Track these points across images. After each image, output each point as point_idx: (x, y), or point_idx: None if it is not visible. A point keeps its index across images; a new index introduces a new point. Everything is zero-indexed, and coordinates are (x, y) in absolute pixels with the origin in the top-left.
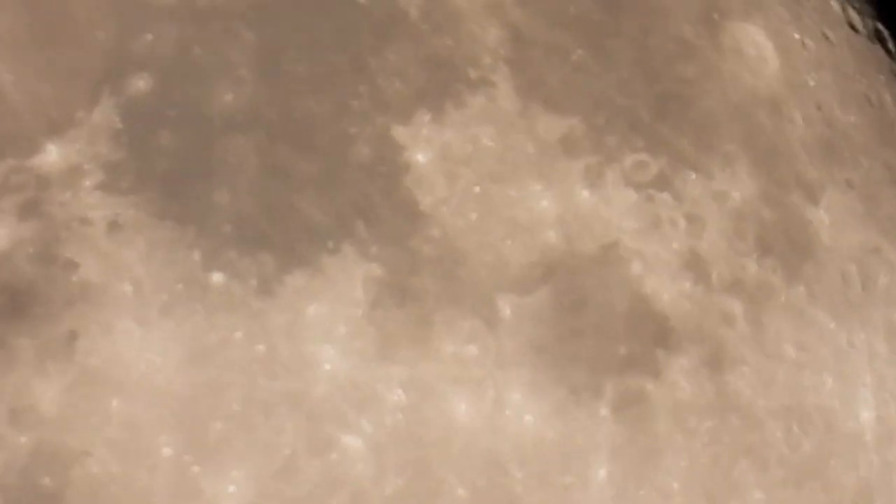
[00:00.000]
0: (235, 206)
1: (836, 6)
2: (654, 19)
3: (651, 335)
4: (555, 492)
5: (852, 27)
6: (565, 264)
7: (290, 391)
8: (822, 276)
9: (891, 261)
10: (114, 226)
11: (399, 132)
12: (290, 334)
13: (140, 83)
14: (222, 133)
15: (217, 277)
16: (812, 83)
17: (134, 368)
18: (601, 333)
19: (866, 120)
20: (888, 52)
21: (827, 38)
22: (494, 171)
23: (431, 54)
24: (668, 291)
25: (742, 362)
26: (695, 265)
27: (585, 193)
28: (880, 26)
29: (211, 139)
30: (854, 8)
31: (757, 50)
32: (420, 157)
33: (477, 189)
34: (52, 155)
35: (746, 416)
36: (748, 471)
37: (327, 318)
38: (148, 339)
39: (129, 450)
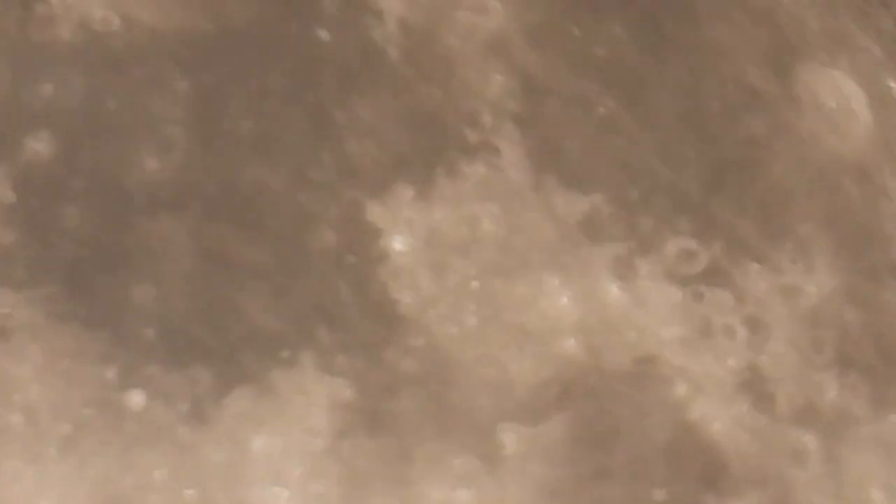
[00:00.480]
0: (161, 306)
1: None
2: (708, 61)
3: (698, 476)
4: None
5: None
6: (588, 384)
7: None
8: None
9: None
10: (1, 331)
11: (373, 211)
12: (229, 475)
13: (38, 146)
14: (145, 211)
15: (136, 399)
16: None
17: None
18: (634, 474)
19: None
20: None
21: None
22: (498, 261)
23: (416, 109)
24: (721, 419)
25: None
26: (756, 386)
27: (615, 290)
28: None
29: (129, 218)
30: None
31: (842, 101)
32: (400, 244)
33: (475, 285)
34: None
35: None
36: None
37: (279, 454)
38: (43, 483)
39: None
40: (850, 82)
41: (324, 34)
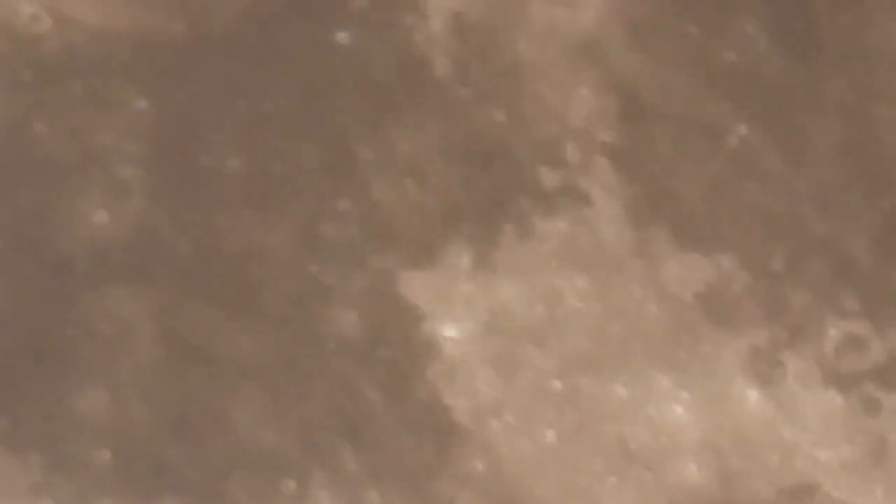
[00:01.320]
0: (116, 418)
1: None
2: (879, 75)
3: None
4: None
5: None
6: None
7: None
8: None
9: None
10: None
11: (413, 284)
12: None
13: None
14: (90, 283)
15: None
16: None
17: None
18: None
19: None
20: None
21: None
22: (587, 353)
23: (472, 140)
24: None
25: None
26: None
27: (752, 395)
28: None
29: (69, 294)
30: None
31: None
32: (451, 331)
33: (555, 386)
34: None
35: None
36: None
37: None
38: None
39: None
40: None
41: (344, 36)
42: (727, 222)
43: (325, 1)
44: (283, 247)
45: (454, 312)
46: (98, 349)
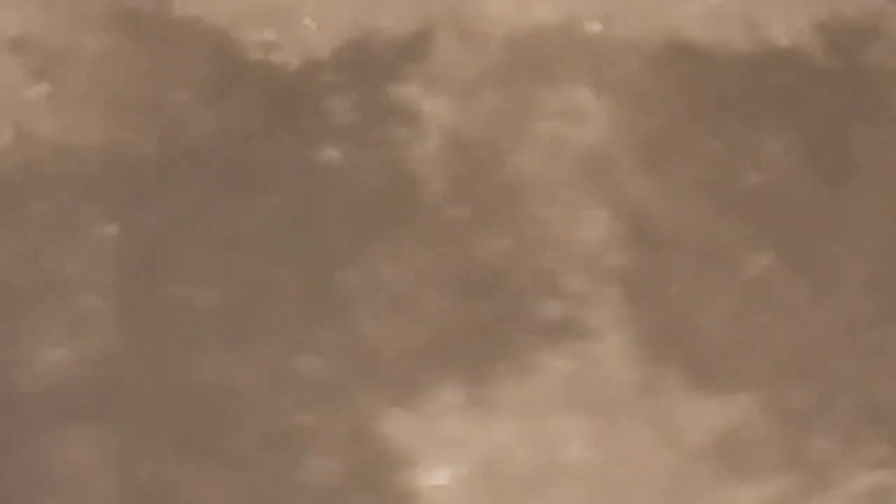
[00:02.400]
0: None
1: None
2: None
3: None
4: None
5: None
6: None
7: None
8: None
9: None
10: None
11: (398, 425)
12: None
13: None
14: (47, 423)
15: None
16: None
17: None
18: None
19: None
20: None
21: None
22: (589, 502)
23: (469, 266)
24: None
25: None
26: None
27: None
28: None
29: (25, 435)
30: None
31: None
32: (439, 479)
33: None
34: None
35: None
36: None
37: None
38: None
39: None
40: None
41: (333, 153)
42: (747, 359)
43: (310, 115)
44: (257, 383)
45: (440, 458)
46: (51, 495)
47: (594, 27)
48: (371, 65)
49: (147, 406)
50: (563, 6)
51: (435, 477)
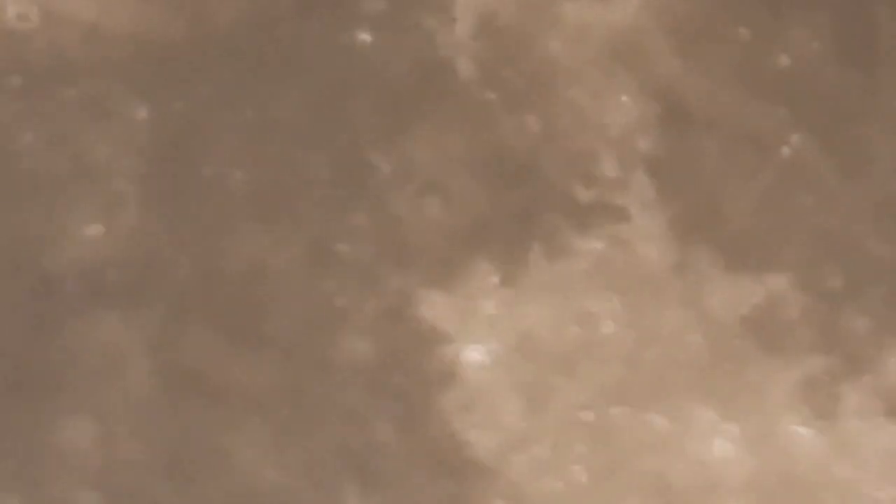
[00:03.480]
0: (106, 453)
1: None
2: None
3: None
4: None
5: None
6: None
7: None
8: None
9: None
10: None
11: (433, 306)
12: None
13: None
14: (78, 306)
15: None
16: None
17: None
18: None
19: None
20: None
21: None
22: (622, 383)
23: (499, 151)
24: None
25: None
26: None
27: (805, 431)
28: None
29: (55, 318)
30: None
31: None
32: (475, 356)
33: (587, 418)
34: None
35: None
36: None
37: None
38: None
39: None
40: None
41: (364, 37)
42: (778, 241)
43: (341, 0)
44: (291, 266)
45: (477, 336)
46: (86, 379)
47: None
48: None
49: (181, 289)
50: None
51: (470, 356)
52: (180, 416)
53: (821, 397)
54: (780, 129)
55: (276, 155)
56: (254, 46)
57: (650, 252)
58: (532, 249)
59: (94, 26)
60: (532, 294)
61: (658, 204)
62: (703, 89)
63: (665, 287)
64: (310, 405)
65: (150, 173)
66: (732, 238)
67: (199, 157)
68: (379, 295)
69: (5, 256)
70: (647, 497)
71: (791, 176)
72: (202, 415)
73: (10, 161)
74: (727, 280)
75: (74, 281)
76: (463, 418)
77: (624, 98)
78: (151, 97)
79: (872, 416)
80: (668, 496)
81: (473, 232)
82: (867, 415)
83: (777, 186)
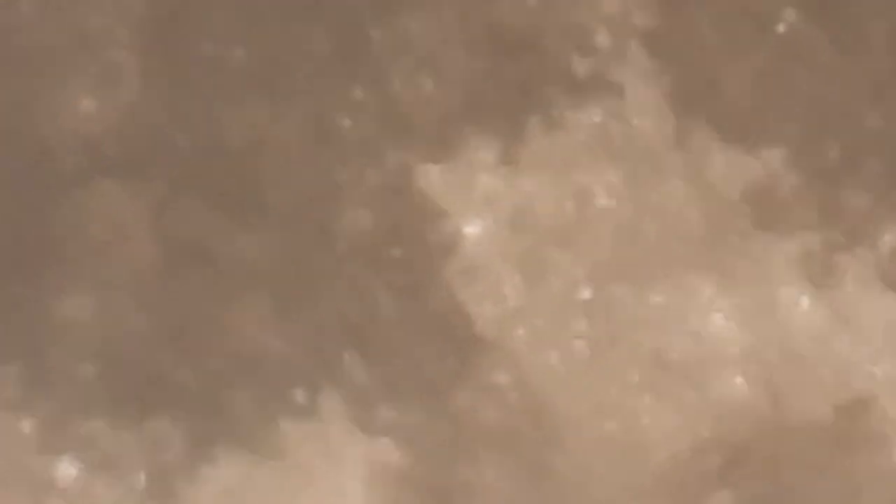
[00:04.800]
0: (105, 327)
1: None
2: None
3: None
4: None
5: None
6: (766, 446)
7: None
8: None
9: None
10: None
11: (431, 180)
12: None
13: None
14: (77, 177)
15: (65, 470)
16: None
17: None
18: None
19: None
20: None
21: None
22: (619, 256)
23: (495, 24)
24: None
25: None
26: None
27: (804, 303)
28: None
29: (54, 190)
30: None
31: None
32: (473, 230)
33: (585, 293)
34: None
35: None
36: None
37: None
38: None
39: None
40: None
41: None
42: (775, 115)
43: None
44: (291, 140)
45: (475, 209)
46: (86, 251)
47: None
48: None
49: (181, 161)
50: None
51: (468, 228)
52: (181, 288)
53: (818, 271)
54: (776, 3)
55: (274, 30)
56: None
57: (647, 125)
58: (529, 123)
59: None
60: (529, 168)
61: (654, 78)
62: None
63: (662, 160)
64: (311, 276)
65: (149, 46)
66: (729, 112)
67: (196, 31)
68: (378, 169)
69: (4, 129)
70: (645, 371)
71: (787, 52)
72: (203, 286)
73: (9, 33)
74: (724, 154)
75: (74, 153)
76: (463, 291)
77: None
78: None
79: (870, 290)
80: (667, 370)
81: (470, 106)
82: (864, 288)
83: (773, 61)
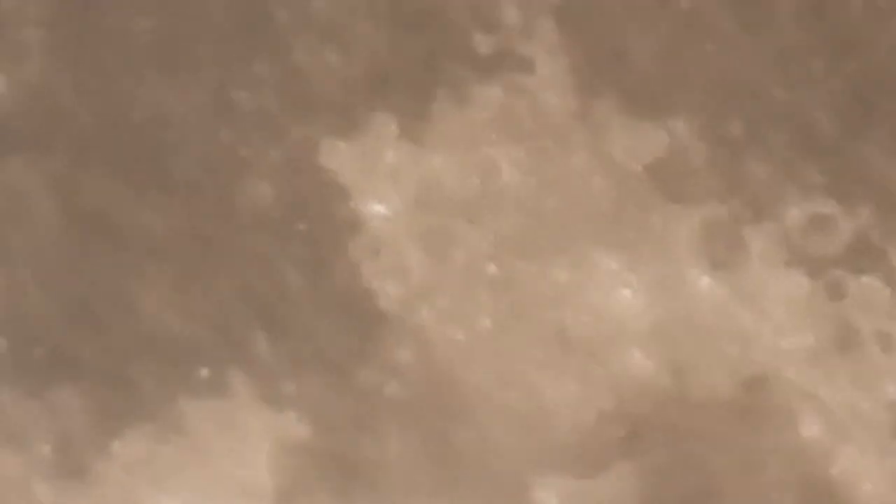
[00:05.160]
0: (12, 300)
1: None
2: None
3: None
4: None
5: None
6: (668, 420)
7: None
8: None
9: None
10: None
11: (335, 155)
12: None
13: None
14: None
15: None
16: None
17: None
18: None
19: None
20: None
21: None
22: (525, 232)
23: (403, 1)
24: (873, 478)
25: None
26: None
27: (707, 278)
28: None
29: None
30: None
31: None
32: (378, 207)
33: (490, 268)
34: None
35: None
36: None
37: None
38: None
39: None
40: None
41: None
42: (680, 87)
43: None
44: (193, 113)
45: (380, 186)
46: None
47: None
48: None
49: (85, 135)
50: None
51: (373, 204)
52: (85, 263)
53: (723, 245)
54: None
55: (177, 3)
56: None
57: (552, 100)
58: (435, 98)
59: None
60: (434, 144)
61: (560, 52)
62: None
63: (568, 135)
64: (214, 251)
65: (53, 21)
66: (634, 85)
67: (103, 5)
68: (281, 144)
69: None
70: (549, 347)
71: (691, 25)
72: (107, 261)
73: None
74: (629, 127)
75: None
76: (367, 267)
77: None
78: None
79: (774, 264)
80: (570, 346)
81: (374, 81)
82: (769, 262)
83: (678, 34)
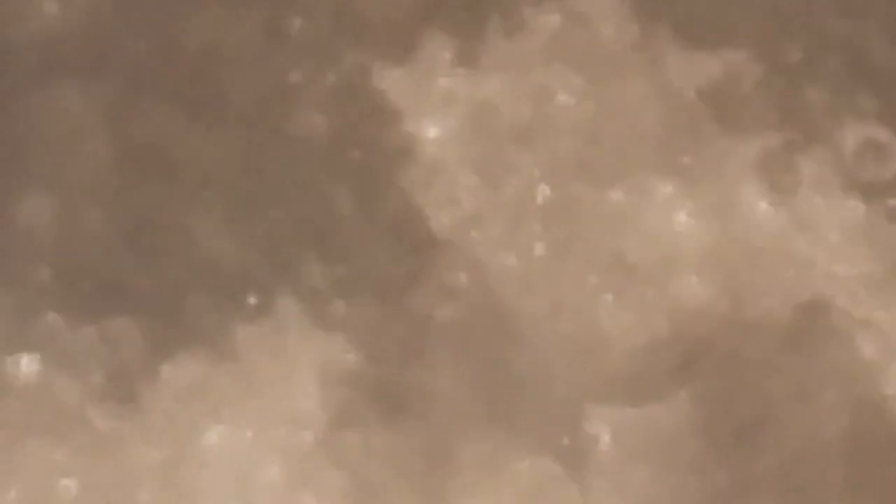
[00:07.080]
0: (62, 229)
1: None
2: None
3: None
4: None
5: None
6: (724, 345)
7: None
8: None
9: None
10: None
11: (388, 80)
12: (167, 485)
13: None
14: (36, 77)
15: (26, 367)
16: None
17: None
18: (794, 486)
19: None
20: None
21: None
22: (580, 157)
23: None
24: None
25: None
26: None
27: (763, 204)
28: None
29: (12, 89)
30: None
31: None
32: (431, 130)
33: (544, 192)
34: None
35: None
36: None
37: (244, 453)
38: None
39: None
40: None
41: None
42: (736, 17)
43: None
44: (246, 42)
45: (433, 110)
46: (44, 153)
47: None
48: None
49: (138, 64)
50: None
51: (426, 130)
52: (138, 191)
53: (778, 171)
54: None
55: None
56: None
57: (608, 27)
58: (489, 23)
59: None
60: (488, 69)
61: None
62: None
63: (623, 62)
64: (267, 179)
65: None
66: (690, 13)
67: None
68: (334, 70)
69: None
70: (604, 272)
71: None
72: (160, 189)
73: None
74: (685, 55)
75: (32, 55)
76: (421, 193)
77: None
78: None
79: (829, 190)
80: (626, 271)
81: (429, 5)
82: (824, 188)
83: None
